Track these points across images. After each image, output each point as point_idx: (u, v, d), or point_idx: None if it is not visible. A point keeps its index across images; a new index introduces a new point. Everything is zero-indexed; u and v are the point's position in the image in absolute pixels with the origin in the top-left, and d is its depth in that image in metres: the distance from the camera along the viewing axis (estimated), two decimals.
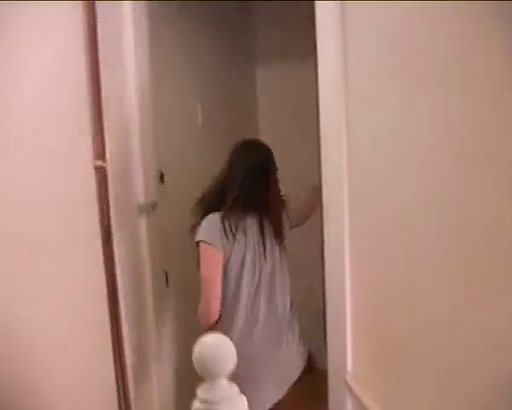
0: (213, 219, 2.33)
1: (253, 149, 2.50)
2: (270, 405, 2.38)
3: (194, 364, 1.02)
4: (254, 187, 2.38)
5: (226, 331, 2.24)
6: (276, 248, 2.43)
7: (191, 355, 1.03)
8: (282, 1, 3.66)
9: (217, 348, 1.04)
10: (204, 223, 2.33)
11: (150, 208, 2.54)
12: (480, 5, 1.31)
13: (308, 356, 2.72)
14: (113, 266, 2.26)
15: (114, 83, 2.33)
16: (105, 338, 2.26)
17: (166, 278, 2.70)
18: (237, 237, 2.31)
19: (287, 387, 2.45)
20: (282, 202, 2.51)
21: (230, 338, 1.05)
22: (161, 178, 2.66)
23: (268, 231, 2.40)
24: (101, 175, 2.20)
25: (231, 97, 3.65)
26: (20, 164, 1.78)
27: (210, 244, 2.29)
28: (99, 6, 2.15)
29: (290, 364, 2.47)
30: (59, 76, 2.00)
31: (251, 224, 2.37)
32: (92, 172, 2.17)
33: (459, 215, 1.54)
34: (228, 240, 2.30)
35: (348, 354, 2.07)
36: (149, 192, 2.56)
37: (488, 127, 1.37)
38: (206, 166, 3.19)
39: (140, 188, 2.52)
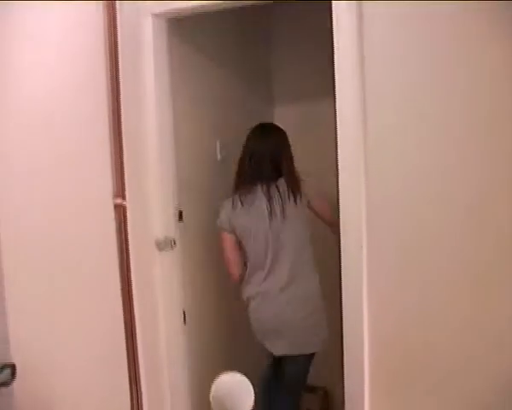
0: (223, 205, 2.75)
1: (262, 137, 2.76)
2: (270, 351, 2.78)
3: (212, 403, 1.01)
4: (260, 172, 2.68)
5: (243, 284, 2.80)
6: (287, 213, 2.63)
7: (208, 394, 1.02)
8: (302, 41, 3.73)
9: (234, 386, 1.03)
10: (219, 211, 2.75)
11: (169, 246, 2.55)
12: (506, 5, 1.34)
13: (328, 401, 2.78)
14: (132, 303, 2.27)
15: (135, 121, 2.37)
16: (122, 374, 2.26)
17: (184, 317, 2.69)
18: (243, 211, 2.69)
19: (294, 346, 2.72)
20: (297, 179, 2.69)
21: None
22: (180, 216, 2.67)
23: (277, 197, 2.64)
24: (121, 213, 2.22)
25: None
26: (42, 203, 1.81)
27: (222, 229, 2.74)
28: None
29: (290, 323, 2.69)
30: (79, 113, 2.04)
31: (259, 196, 2.67)
32: (112, 210, 2.20)
33: (473, 230, 1.64)
34: (236, 217, 2.70)
35: (366, 392, 2.07)
36: (168, 230, 2.57)
37: (509, 147, 1.40)
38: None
39: (159, 226, 2.53)
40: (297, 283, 2.66)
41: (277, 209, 2.62)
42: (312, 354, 2.79)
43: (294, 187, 2.64)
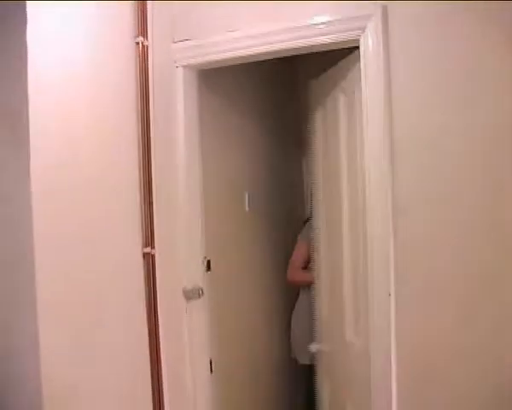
0: None
1: None
2: None
3: None
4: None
5: None
6: None
7: None
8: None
9: None
10: None
11: (197, 295, 2.56)
12: None
13: None
14: (159, 351, 2.28)
15: (165, 171, 2.42)
16: None
17: (211, 366, 2.68)
18: None
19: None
20: None
21: None
22: (208, 265, 2.69)
23: None
24: (150, 262, 2.25)
25: (279, 185, 3.69)
26: (73, 254, 1.86)
27: None
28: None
29: None
30: (110, 162, 2.10)
31: None
32: (141, 259, 2.23)
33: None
34: None
35: None
36: (196, 279, 2.59)
37: None
38: (253, 253, 3.22)
39: (187, 275, 2.55)
40: None
41: None
42: (307, 367, 3.16)
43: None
